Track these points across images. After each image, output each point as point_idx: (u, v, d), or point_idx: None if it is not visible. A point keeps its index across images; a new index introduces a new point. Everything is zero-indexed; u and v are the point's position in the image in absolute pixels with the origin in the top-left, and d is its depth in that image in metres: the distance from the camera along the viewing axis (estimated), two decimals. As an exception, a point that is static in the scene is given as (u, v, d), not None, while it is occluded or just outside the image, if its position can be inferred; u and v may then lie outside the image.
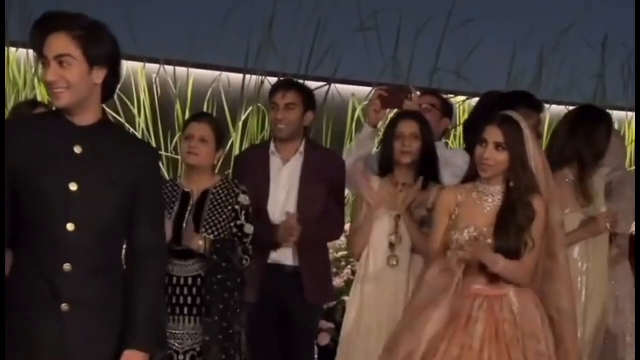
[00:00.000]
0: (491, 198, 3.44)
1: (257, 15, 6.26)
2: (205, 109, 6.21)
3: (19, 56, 5.95)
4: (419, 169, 3.92)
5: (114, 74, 2.64)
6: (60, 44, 2.55)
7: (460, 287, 3.40)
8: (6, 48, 5.81)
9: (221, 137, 4.01)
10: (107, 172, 2.61)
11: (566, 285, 3.49)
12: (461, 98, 7.01)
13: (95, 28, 2.59)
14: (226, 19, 6.09)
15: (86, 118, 2.62)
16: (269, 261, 4.15)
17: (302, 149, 4.25)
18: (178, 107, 6.31)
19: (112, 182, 2.61)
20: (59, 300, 2.56)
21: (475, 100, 6.97)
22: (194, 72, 6.37)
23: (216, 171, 4.13)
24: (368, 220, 3.91)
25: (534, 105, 4.25)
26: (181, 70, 6.36)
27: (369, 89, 6.35)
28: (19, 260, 2.62)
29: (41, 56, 2.58)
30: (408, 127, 3.91)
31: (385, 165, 3.97)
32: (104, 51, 2.59)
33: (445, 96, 5.11)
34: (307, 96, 4.28)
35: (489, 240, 3.37)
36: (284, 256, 4.16)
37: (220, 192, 3.90)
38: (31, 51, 5.89)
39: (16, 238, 2.61)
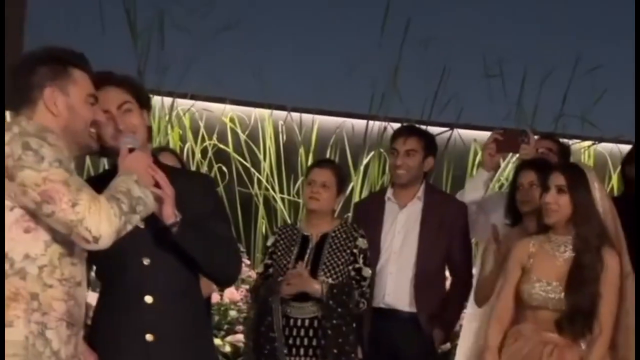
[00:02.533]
0: (563, 248, 3.38)
1: (383, 63, 6.31)
2: (328, 154, 6.34)
3: (154, 103, 6.21)
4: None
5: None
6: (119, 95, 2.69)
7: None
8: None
9: (342, 182, 4.08)
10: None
11: (634, 336, 3.34)
12: (587, 143, 6.93)
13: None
14: (353, 66, 6.19)
15: None
16: (382, 305, 4.13)
17: (420, 193, 4.25)
18: (302, 152, 6.44)
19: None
20: (143, 331, 2.63)
21: (602, 145, 6.88)
22: (319, 118, 6.50)
23: (335, 215, 4.17)
24: (495, 273, 3.79)
25: None
26: (307, 117, 6.50)
27: (491, 134, 6.33)
28: (102, 298, 2.72)
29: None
30: (526, 177, 3.85)
31: (513, 215, 3.91)
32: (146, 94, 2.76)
33: (570, 141, 5.03)
34: (428, 142, 4.28)
35: (561, 296, 3.30)
36: (399, 301, 4.15)
37: (339, 235, 3.96)
38: (166, 98, 6.17)
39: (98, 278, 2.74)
